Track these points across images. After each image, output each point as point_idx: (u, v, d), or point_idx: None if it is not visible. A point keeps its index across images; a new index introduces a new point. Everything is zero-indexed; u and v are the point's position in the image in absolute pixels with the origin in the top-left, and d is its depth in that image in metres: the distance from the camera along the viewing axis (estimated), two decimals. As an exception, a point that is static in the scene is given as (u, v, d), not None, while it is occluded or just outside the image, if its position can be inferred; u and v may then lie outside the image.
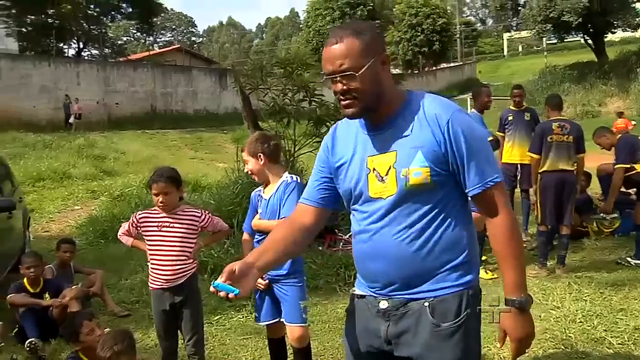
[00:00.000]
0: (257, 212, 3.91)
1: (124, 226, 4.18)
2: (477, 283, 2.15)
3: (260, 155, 3.82)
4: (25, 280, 5.75)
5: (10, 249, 7.13)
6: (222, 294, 2.04)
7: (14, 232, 7.47)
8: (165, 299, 4.03)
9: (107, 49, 39.59)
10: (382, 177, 2.08)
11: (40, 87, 25.89)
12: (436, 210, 2.07)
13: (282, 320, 3.87)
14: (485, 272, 6.46)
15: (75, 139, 20.76)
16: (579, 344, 4.65)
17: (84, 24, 36.54)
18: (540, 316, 5.19)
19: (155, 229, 4.00)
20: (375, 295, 2.18)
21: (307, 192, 2.37)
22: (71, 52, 36.88)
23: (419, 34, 47.15)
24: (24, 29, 32.90)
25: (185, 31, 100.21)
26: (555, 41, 45.60)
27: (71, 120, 25.28)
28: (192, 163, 19.81)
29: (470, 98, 10.23)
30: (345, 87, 2.05)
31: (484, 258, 6.68)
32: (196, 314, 4.10)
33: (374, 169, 2.11)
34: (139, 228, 4.06)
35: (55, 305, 5.49)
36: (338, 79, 2.05)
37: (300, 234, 2.32)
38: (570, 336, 4.79)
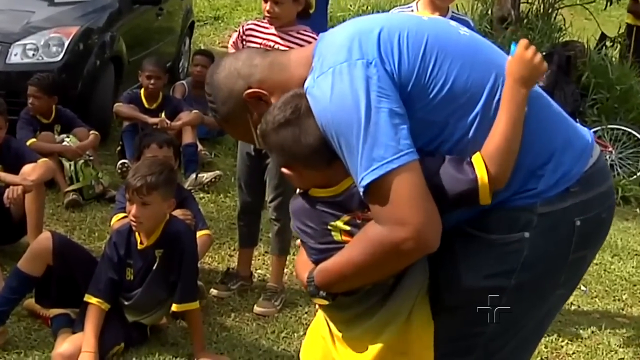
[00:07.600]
0: None
1: (233, 36, 3.44)
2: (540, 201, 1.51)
3: None
4: (142, 91, 4.88)
5: (156, 54, 5.98)
6: None
7: (163, 35, 6.65)
8: None
9: None
10: None
11: None
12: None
13: None
14: None
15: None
16: None
17: None
18: None
19: (259, 47, 3.02)
20: None
21: None
22: None
23: None
24: None
25: None
26: None
27: None
28: None
29: None
30: None
31: None
32: None
33: None
34: (244, 42, 3.31)
35: (162, 126, 4.56)
36: None
37: None
38: None
